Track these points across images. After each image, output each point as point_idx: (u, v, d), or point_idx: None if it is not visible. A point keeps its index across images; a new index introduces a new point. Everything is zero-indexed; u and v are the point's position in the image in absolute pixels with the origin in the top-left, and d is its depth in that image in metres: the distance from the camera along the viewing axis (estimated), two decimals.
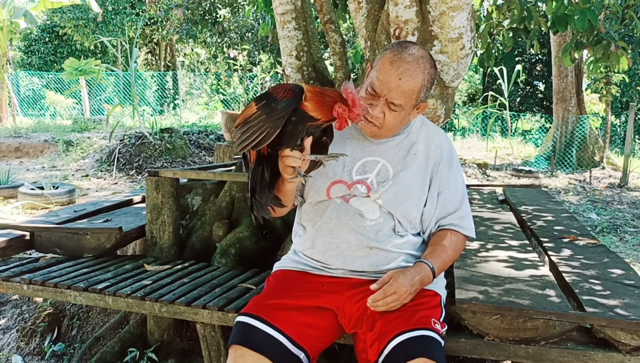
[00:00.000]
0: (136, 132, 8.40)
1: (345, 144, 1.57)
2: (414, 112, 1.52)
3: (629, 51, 4.19)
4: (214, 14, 10.64)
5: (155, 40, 18.64)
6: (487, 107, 14.13)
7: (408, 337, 1.34)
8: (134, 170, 7.48)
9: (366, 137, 1.57)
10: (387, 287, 1.39)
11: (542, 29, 3.86)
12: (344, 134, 1.56)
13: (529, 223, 2.77)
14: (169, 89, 17.11)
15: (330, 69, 4.66)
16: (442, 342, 1.39)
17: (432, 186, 1.57)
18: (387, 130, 1.51)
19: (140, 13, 14.80)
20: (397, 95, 1.43)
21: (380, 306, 1.39)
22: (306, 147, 1.35)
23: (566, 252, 2.24)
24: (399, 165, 1.55)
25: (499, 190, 4.23)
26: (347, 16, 4.45)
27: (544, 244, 2.38)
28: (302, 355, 1.42)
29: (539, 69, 17.58)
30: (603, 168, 9.84)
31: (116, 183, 7.01)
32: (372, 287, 1.42)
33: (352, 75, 2.64)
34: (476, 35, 2.42)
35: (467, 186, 4.36)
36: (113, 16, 14.62)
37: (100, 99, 15.60)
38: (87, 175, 7.41)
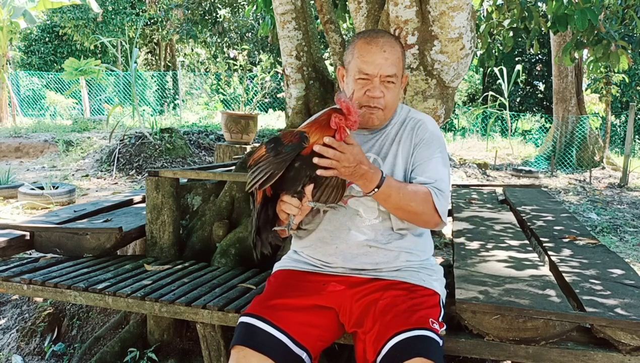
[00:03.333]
0: (136, 132, 8.40)
1: None
2: (401, 87, 1.58)
3: (629, 51, 4.19)
4: (214, 14, 10.63)
5: (155, 40, 18.64)
6: (487, 107, 14.13)
7: (405, 337, 1.34)
8: (134, 170, 7.48)
9: (353, 136, 1.56)
10: (339, 145, 1.30)
11: (542, 28, 3.86)
12: None
13: (529, 224, 2.77)
14: (169, 89, 17.10)
15: (330, 69, 4.66)
16: (441, 342, 1.38)
17: (411, 163, 1.56)
18: (389, 109, 1.55)
19: (140, 13, 14.80)
20: (389, 66, 1.50)
21: (321, 156, 1.30)
22: (307, 194, 1.37)
23: (566, 252, 2.24)
24: (387, 155, 1.58)
25: (499, 190, 4.22)
26: (347, 16, 4.45)
27: (544, 244, 2.38)
28: (304, 355, 1.42)
29: (539, 69, 17.58)
30: (603, 168, 9.83)
31: (116, 183, 7.01)
32: (325, 140, 1.31)
33: None
34: (476, 35, 2.42)
35: (467, 186, 4.36)
36: (113, 16, 14.62)
37: (100, 99, 15.59)
38: (87, 175, 7.41)
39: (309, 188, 1.37)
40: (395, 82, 1.53)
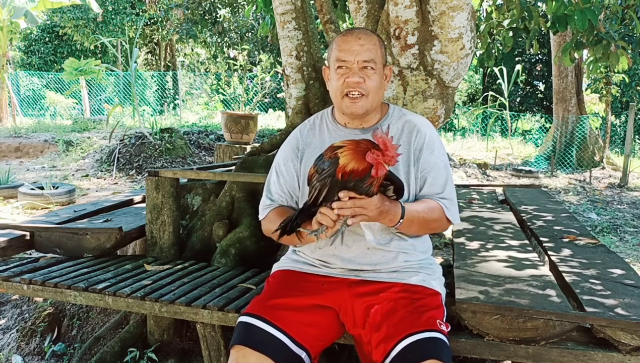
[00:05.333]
0: (136, 132, 8.40)
1: None
2: (383, 78, 1.57)
3: (629, 51, 4.20)
4: (214, 14, 10.64)
5: (155, 40, 18.64)
6: (487, 107, 14.13)
7: (417, 339, 1.34)
8: (134, 170, 7.48)
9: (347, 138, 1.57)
10: (359, 200, 1.34)
11: (542, 29, 3.86)
12: (326, 141, 1.59)
13: (529, 223, 2.77)
14: (169, 89, 17.11)
15: None
16: (448, 343, 1.39)
17: (416, 172, 1.58)
18: (372, 96, 1.54)
19: (140, 13, 14.80)
20: (365, 51, 1.51)
21: (347, 208, 1.33)
22: (335, 207, 1.33)
23: (566, 252, 2.24)
24: None
25: (499, 190, 4.22)
26: (347, 16, 4.45)
27: (544, 244, 2.38)
28: (303, 355, 1.42)
29: (539, 69, 17.58)
30: (603, 168, 9.83)
31: (116, 183, 7.01)
32: (341, 194, 1.34)
33: None
34: (476, 35, 2.42)
35: (467, 186, 4.36)
36: (113, 16, 14.62)
37: (100, 99, 15.60)
38: (87, 175, 7.41)
39: (343, 194, 1.33)
40: (375, 69, 1.52)
